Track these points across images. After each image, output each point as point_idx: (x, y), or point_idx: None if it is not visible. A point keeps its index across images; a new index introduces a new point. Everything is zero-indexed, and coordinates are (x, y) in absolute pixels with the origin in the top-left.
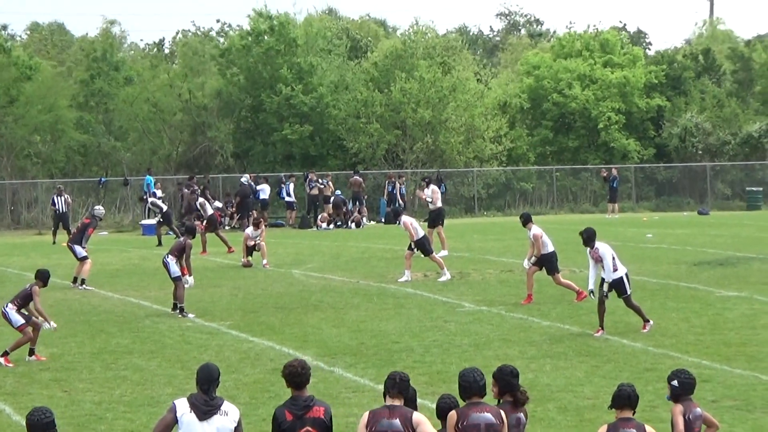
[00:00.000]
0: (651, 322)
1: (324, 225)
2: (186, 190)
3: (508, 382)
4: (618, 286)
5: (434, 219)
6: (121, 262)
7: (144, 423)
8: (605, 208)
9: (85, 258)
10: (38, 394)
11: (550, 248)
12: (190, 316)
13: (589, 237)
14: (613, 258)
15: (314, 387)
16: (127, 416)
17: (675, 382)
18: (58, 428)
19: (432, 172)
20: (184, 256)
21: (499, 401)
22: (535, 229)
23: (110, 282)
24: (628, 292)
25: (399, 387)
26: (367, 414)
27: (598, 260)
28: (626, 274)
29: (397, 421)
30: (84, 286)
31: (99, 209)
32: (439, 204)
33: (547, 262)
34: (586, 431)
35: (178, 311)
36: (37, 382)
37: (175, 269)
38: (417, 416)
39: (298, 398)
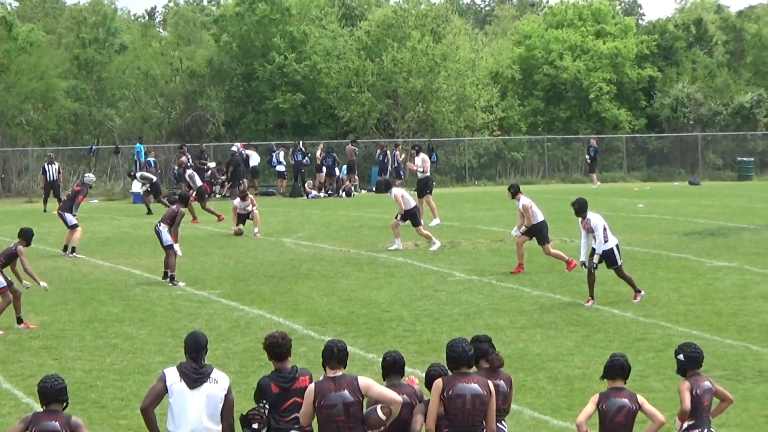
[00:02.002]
0: (642, 292)
1: (314, 192)
2: (184, 159)
3: (476, 347)
4: (608, 257)
5: (422, 188)
6: (112, 231)
7: (134, 391)
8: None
9: (75, 226)
10: (28, 362)
11: (540, 218)
12: (181, 284)
13: (580, 207)
14: (605, 229)
15: (305, 356)
16: (117, 384)
17: (681, 356)
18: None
19: (423, 142)
20: (174, 224)
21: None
22: (524, 200)
23: (101, 250)
24: (619, 263)
25: (338, 358)
26: (312, 388)
27: (590, 231)
28: (617, 245)
29: (345, 392)
30: (74, 254)
31: (89, 177)
32: (428, 173)
33: (537, 232)
34: (576, 401)
35: (168, 279)
36: (27, 350)
37: (167, 237)
38: (363, 380)
39: (283, 370)
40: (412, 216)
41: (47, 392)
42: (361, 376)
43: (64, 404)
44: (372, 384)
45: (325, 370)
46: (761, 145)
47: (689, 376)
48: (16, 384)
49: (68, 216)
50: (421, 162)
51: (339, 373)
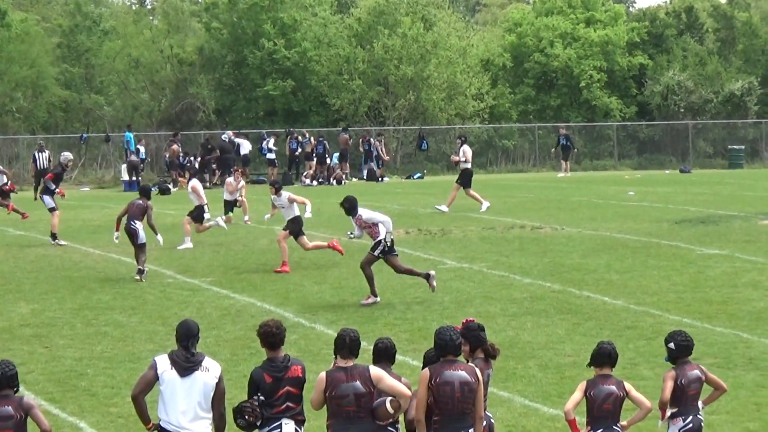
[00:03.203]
0: (378, 299)
1: (308, 181)
2: (175, 147)
3: (476, 336)
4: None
5: (468, 179)
6: (103, 219)
7: (125, 379)
8: (587, 166)
9: (53, 209)
10: (18, 350)
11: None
12: (141, 279)
13: (351, 206)
14: (379, 223)
15: (295, 343)
16: (107, 372)
17: (671, 345)
18: (38, 384)
19: (414, 129)
20: (148, 218)
21: (470, 359)
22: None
23: (91, 238)
24: (376, 254)
25: (350, 347)
26: (323, 377)
27: (363, 226)
28: (385, 239)
29: (357, 383)
30: (57, 240)
31: (65, 155)
32: (470, 164)
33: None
34: (566, 388)
35: (138, 273)
36: (17, 338)
37: (143, 235)
38: (375, 371)
39: (275, 359)
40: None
41: None
42: (372, 366)
43: (15, 390)
44: (383, 375)
45: (336, 359)
46: (752, 133)
47: (679, 364)
48: None
49: (47, 198)
50: (462, 153)
51: (351, 363)
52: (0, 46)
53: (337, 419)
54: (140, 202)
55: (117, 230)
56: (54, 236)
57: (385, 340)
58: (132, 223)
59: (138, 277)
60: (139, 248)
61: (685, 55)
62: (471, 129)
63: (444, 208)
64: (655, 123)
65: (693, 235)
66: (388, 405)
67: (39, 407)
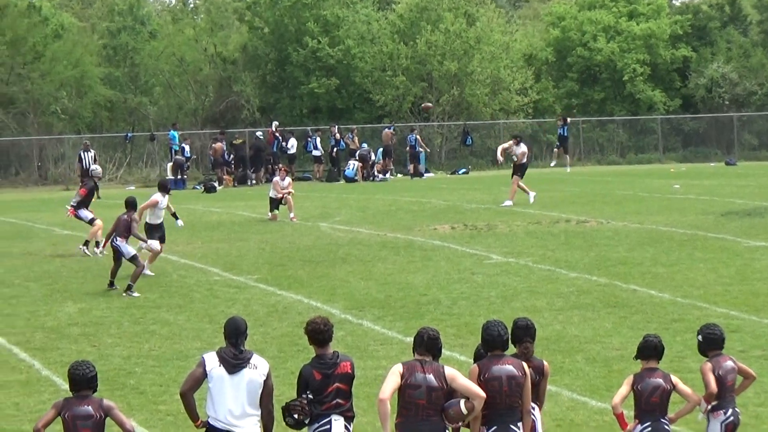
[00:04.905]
0: None
1: (381, 175)
2: (219, 144)
3: (513, 333)
4: None
5: (523, 171)
6: None
7: (173, 377)
8: (631, 159)
9: (93, 220)
10: (67, 349)
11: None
12: (135, 294)
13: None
14: None
15: (342, 340)
16: (155, 370)
17: (700, 337)
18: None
19: (459, 125)
20: (131, 231)
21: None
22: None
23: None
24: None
25: (427, 345)
26: (401, 365)
27: None
28: None
29: (431, 376)
30: (99, 248)
31: (95, 168)
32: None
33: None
34: (614, 382)
35: (127, 289)
36: (66, 337)
37: (128, 250)
38: (450, 371)
39: (324, 356)
40: None
41: (79, 379)
42: (447, 366)
43: (93, 391)
44: (458, 375)
45: (414, 354)
46: None
47: (711, 356)
48: (55, 371)
49: (83, 213)
50: (521, 153)
51: (427, 359)
52: (43, 45)
53: (406, 417)
54: (125, 217)
55: (104, 247)
56: (96, 243)
57: (423, 331)
58: (114, 240)
59: (125, 294)
60: (131, 262)
61: (729, 47)
62: (515, 124)
63: (508, 203)
64: (700, 116)
65: (739, 227)
66: (462, 406)
67: (119, 408)
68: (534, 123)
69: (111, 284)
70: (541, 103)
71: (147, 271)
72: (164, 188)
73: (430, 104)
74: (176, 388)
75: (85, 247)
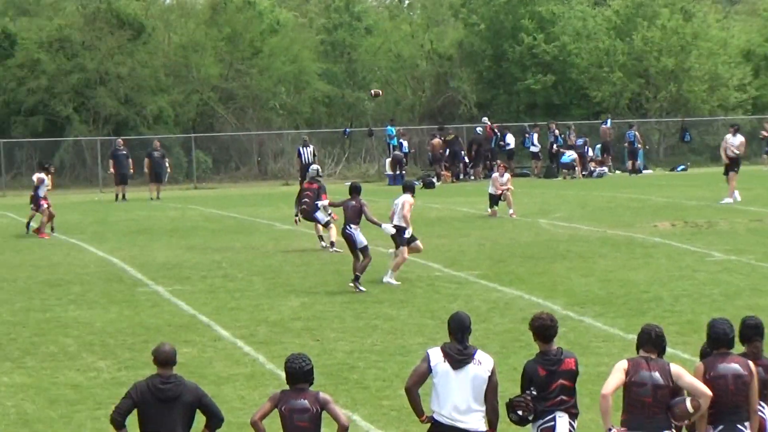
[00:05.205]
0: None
1: (599, 169)
2: (437, 140)
3: (741, 332)
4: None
5: (733, 166)
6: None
7: (395, 372)
8: None
9: (328, 223)
10: (290, 343)
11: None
12: (362, 288)
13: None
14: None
15: (564, 336)
16: (378, 365)
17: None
18: None
19: (677, 121)
20: (368, 215)
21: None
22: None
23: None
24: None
25: (653, 343)
26: (626, 362)
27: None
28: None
29: (657, 374)
30: (333, 248)
31: (314, 168)
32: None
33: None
34: None
35: (353, 283)
36: (289, 331)
37: (362, 239)
38: (675, 368)
39: (548, 352)
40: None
41: (296, 373)
42: (673, 363)
43: (310, 384)
44: (683, 373)
45: (638, 351)
46: None
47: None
48: (279, 365)
49: (318, 215)
50: (739, 144)
51: (653, 356)
52: (261, 40)
53: (632, 414)
54: (353, 203)
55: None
56: (332, 244)
57: (649, 328)
58: (348, 227)
59: (351, 285)
60: (362, 253)
61: None
62: (734, 120)
63: (728, 200)
64: None
65: None
66: (688, 404)
67: (336, 402)
68: (753, 119)
69: (356, 278)
70: (760, 99)
71: (391, 280)
72: (410, 189)
73: (379, 90)
74: (399, 383)
75: (332, 248)
